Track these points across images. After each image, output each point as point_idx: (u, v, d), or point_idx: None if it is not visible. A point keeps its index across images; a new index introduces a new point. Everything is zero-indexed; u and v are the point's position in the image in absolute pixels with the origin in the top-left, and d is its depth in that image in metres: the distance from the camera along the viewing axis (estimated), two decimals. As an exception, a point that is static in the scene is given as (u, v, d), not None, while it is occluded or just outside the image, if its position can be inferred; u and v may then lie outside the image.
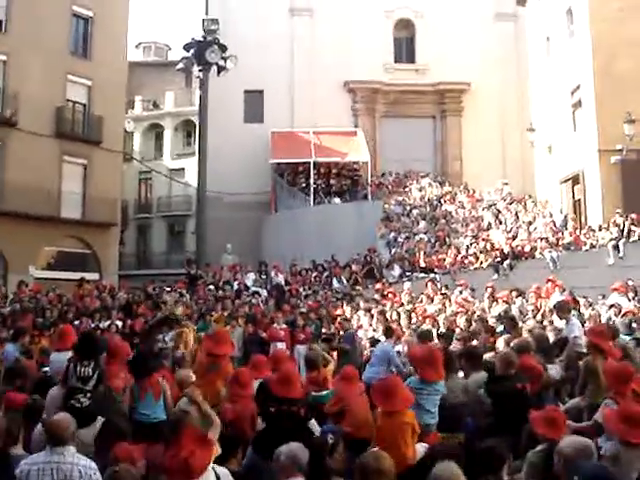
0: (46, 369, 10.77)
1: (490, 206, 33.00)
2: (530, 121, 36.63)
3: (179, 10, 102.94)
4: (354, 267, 27.11)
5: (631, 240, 25.91)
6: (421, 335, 12.86)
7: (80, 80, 34.74)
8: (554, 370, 9.84)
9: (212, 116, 32.91)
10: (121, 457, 5.83)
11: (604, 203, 29.42)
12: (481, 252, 27.13)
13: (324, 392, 8.89)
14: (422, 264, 26.91)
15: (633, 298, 19.78)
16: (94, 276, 32.23)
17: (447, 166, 42.28)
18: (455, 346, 12.56)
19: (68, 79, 34.18)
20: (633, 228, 26.25)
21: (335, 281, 26.30)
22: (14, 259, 31.24)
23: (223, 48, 30.10)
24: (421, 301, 20.61)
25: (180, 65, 31.32)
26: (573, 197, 33.12)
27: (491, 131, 41.35)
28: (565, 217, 30.63)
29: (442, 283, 23.80)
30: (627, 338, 12.27)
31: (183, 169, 49.39)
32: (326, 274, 27.08)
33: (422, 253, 27.43)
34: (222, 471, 5.84)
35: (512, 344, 10.25)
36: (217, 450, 6.17)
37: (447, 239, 29.15)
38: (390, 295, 21.67)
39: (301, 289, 24.69)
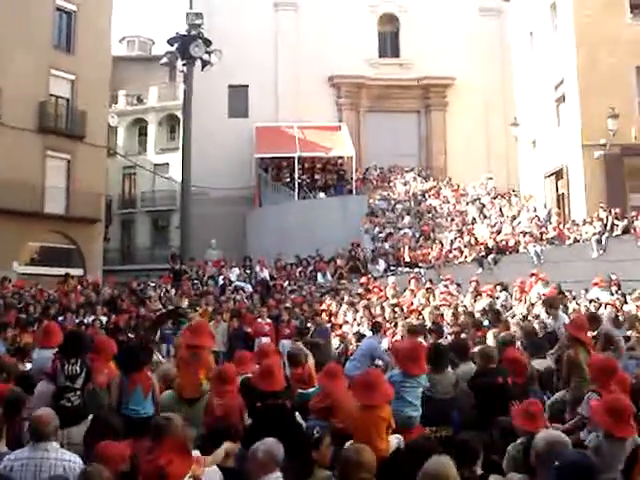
0: (28, 365, 10.70)
1: (474, 200, 33.11)
2: (514, 116, 36.68)
3: (163, 4, 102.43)
4: (339, 262, 27.14)
5: (614, 234, 26.08)
6: (410, 330, 12.90)
7: (63, 75, 34.50)
8: (544, 364, 9.91)
9: (196, 111, 32.81)
10: (104, 455, 5.79)
11: (588, 197, 29.55)
12: (465, 246, 27.24)
13: (311, 390, 8.86)
14: (407, 259, 26.97)
15: (616, 292, 19.91)
16: (78, 271, 32.09)
17: (431, 161, 42.35)
18: (447, 340, 12.66)
19: (51, 74, 33.91)
20: (616, 222, 26.41)
21: (320, 276, 26.34)
22: (-3, 255, 31.07)
23: (207, 42, 30.02)
24: (405, 296, 20.66)
25: (164, 60, 31.19)
26: (557, 191, 33.25)
27: (475, 126, 41.45)
28: (549, 211, 30.79)
29: (427, 277, 23.86)
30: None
31: (167, 164, 49.17)
32: (311, 269, 27.11)
33: (407, 248, 27.49)
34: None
35: (497, 338, 10.33)
36: (198, 470, 6.09)
37: (432, 234, 29.23)
38: (375, 289, 21.73)
39: (286, 284, 24.70)
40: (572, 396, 8.10)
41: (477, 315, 15.92)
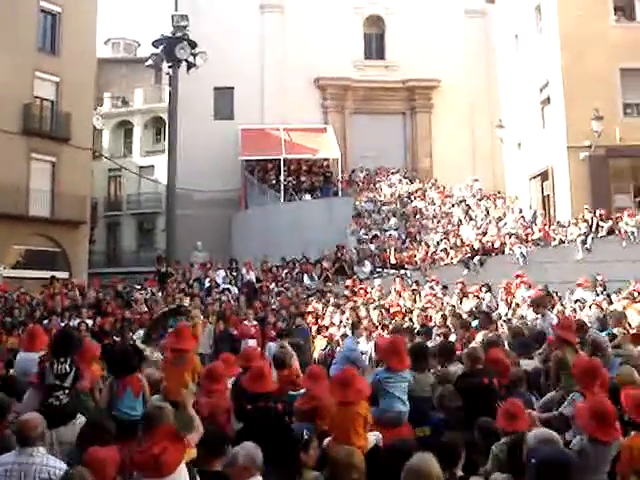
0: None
1: (460, 202, 33.16)
2: (499, 118, 36.84)
3: (148, 6, 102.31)
4: (325, 264, 27.11)
5: (599, 235, 26.19)
6: (394, 330, 12.96)
7: (48, 77, 34.39)
8: (532, 364, 9.93)
9: (182, 113, 32.69)
10: (93, 461, 5.74)
11: (573, 199, 29.68)
12: (451, 248, 27.26)
13: (302, 391, 8.87)
14: (393, 260, 26.98)
15: (601, 292, 20.02)
16: (64, 274, 31.94)
17: (417, 163, 42.37)
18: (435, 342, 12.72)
19: (36, 76, 33.81)
20: (601, 223, 26.53)
21: (306, 277, 26.31)
22: (-18, 258, 30.92)
23: (193, 44, 29.93)
24: (391, 299, 20.67)
25: (149, 62, 31.06)
26: (542, 193, 33.38)
27: (461, 128, 41.53)
28: (534, 213, 30.86)
29: (413, 279, 23.90)
30: (603, 334, 12.36)
31: (153, 166, 49.15)
32: (297, 271, 27.08)
33: (392, 249, 27.50)
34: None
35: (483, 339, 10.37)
36: (193, 452, 6.10)
37: (417, 235, 29.27)
38: (361, 291, 21.75)
39: (272, 286, 24.67)
40: (561, 396, 8.13)
41: (465, 316, 15.98)
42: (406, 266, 26.64)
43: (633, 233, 25.76)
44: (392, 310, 18.18)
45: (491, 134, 39.28)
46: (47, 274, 27.24)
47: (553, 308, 16.52)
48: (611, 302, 18.48)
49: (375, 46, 43.90)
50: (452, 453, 5.87)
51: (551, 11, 31.51)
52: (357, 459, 5.53)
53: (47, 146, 34.13)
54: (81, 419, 7.73)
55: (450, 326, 14.67)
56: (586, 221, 26.70)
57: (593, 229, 26.37)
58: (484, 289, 20.01)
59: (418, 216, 31.81)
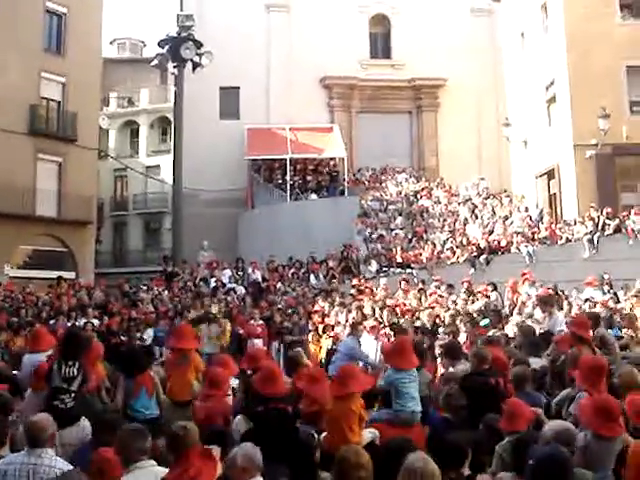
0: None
1: (466, 201, 33.12)
2: (505, 116, 36.76)
3: (154, 6, 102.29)
4: (331, 263, 27.12)
5: (606, 234, 26.11)
6: (396, 329, 12.98)
7: (54, 77, 34.44)
8: (540, 363, 9.91)
9: (188, 113, 32.79)
10: (100, 463, 5.75)
11: (579, 197, 29.62)
12: (457, 247, 27.25)
13: None
14: (399, 259, 26.98)
15: (608, 291, 19.97)
16: (70, 274, 31.99)
17: (423, 161, 42.35)
18: (442, 339, 12.73)
19: (42, 76, 33.87)
20: (607, 222, 26.44)
21: (312, 277, 26.32)
22: (-12, 258, 30.99)
23: (198, 44, 30.00)
24: (397, 298, 20.64)
25: (155, 62, 31.16)
26: (549, 191, 33.32)
27: (467, 126, 41.46)
28: (541, 211, 30.81)
29: (419, 278, 23.86)
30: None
31: (159, 166, 49.18)
32: (303, 270, 27.09)
33: (399, 248, 27.50)
34: None
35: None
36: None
37: (424, 234, 29.24)
38: (367, 290, 21.73)
39: (278, 285, 24.68)
40: (576, 393, 8.11)
41: (474, 315, 15.98)
42: (412, 265, 26.64)
43: (640, 231, 25.73)
44: (398, 310, 18.14)
45: (497, 133, 39.20)
46: (54, 274, 27.32)
47: (562, 308, 16.51)
48: (618, 301, 18.43)
49: (381, 45, 43.87)
50: (459, 452, 5.86)
51: (557, 9, 31.45)
52: (364, 458, 5.53)
53: (53, 146, 34.19)
54: (85, 422, 7.74)
55: (459, 325, 14.66)
56: (592, 219, 26.64)
57: (600, 227, 26.31)
58: (490, 288, 19.96)
59: (425, 215, 31.78)
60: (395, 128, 42.06)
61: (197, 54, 29.80)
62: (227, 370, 8.82)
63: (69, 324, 17.41)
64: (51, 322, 17.47)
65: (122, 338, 16.88)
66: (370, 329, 15.12)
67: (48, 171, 34.26)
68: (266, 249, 28.92)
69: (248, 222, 34.79)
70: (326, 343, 17.29)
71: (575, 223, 27.58)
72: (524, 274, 20.58)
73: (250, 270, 26.50)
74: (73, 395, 8.10)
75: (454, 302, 18.97)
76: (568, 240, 26.87)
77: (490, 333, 12.37)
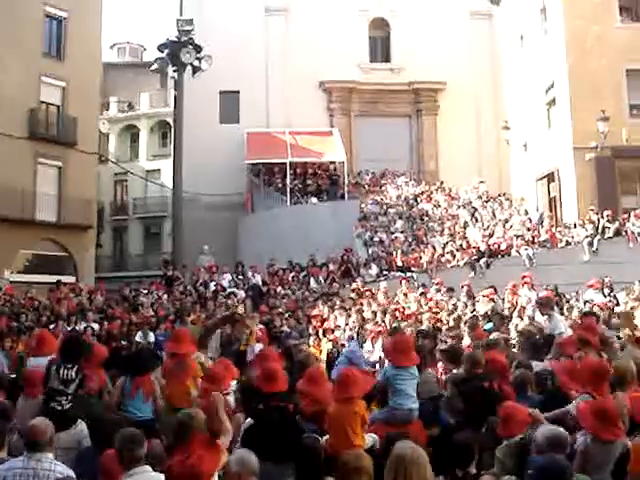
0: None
1: (466, 204, 33.13)
2: (505, 119, 36.82)
3: (154, 10, 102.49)
4: (331, 267, 27.11)
5: (606, 237, 26.12)
6: (392, 333, 12.99)
7: (54, 81, 34.44)
8: (541, 366, 9.90)
9: (187, 117, 32.80)
10: (108, 462, 5.80)
11: (579, 200, 29.60)
12: (457, 250, 27.23)
13: None
14: (399, 263, 26.97)
15: (608, 294, 19.97)
16: (70, 279, 31.97)
17: (423, 165, 42.37)
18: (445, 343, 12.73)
19: (42, 80, 33.85)
20: (608, 225, 26.46)
21: (312, 281, 26.31)
22: (-12, 263, 30.97)
23: (198, 48, 30.02)
24: (397, 302, 20.62)
25: (154, 66, 31.20)
26: (549, 194, 33.32)
27: (467, 129, 41.49)
28: (541, 215, 30.82)
29: (419, 282, 23.86)
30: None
31: (159, 170, 49.25)
32: (303, 274, 27.08)
33: (399, 252, 27.49)
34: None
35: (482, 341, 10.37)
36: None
37: (424, 238, 29.24)
38: (368, 294, 21.72)
39: (279, 289, 24.67)
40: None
41: (480, 319, 15.96)
42: (412, 269, 26.63)
43: (640, 234, 25.74)
44: (398, 313, 18.12)
45: (497, 136, 39.29)
46: (54, 279, 27.34)
47: (562, 310, 16.50)
48: (617, 304, 18.43)
49: (380, 49, 43.90)
50: (467, 451, 5.88)
51: (556, 12, 31.48)
52: (366, 462, 5.54)
53: (53, 151, 34.19)
54: (82, 424, 7.74)
55: (463, 328, 14.64)
56: (592, 222, 26.65)
57: (600, 231, 26.32)
58: (486, 291, 19.93)
59: (425, 218, 31.78)
60: (395, 132, 42.04)
61: (197, 58, 29.82)
62: (227, 372, 8.84)
63: (69, 328, 17.44)
64: (51, 326, 17.43)
65: (122, 342, 16.88)
66: (376, 334, 15.15)
67: (48, 175, 34.26)
68: (266, 253, 28.89)
69: (248, 226, 34.77)
70: (326, 347, 17.27)
71: (575, 226, 27.60)
72: (524, 277, 20.57)
73: (250, 274, 26.50)
74: (70, 397, 8.10)
75: (454, 305, 18.97)
76: (568, 243, 26.91)
77: (491, 336, 12.36)
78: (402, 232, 30.19)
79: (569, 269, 24.09)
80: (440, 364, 10.89)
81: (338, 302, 20.58)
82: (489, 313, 16.88)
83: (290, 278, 26.67)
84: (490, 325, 15.00)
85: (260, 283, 25.50)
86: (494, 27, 42.00)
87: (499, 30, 40.42)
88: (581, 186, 29.70)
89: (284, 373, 7.79)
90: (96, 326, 17.87)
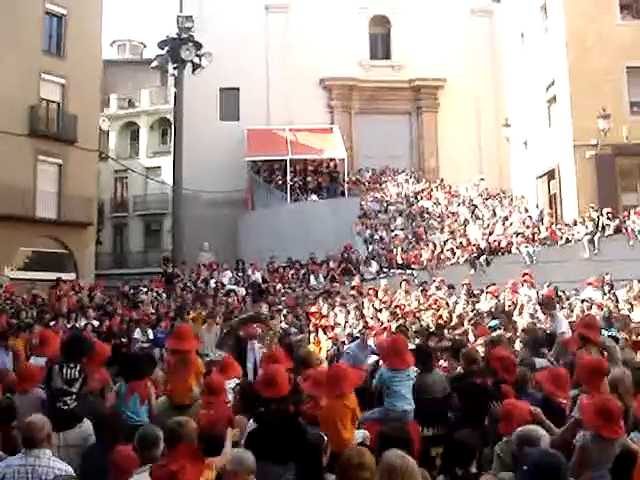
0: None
1: (466, 202, 33.13)
2: (505, 117, 36.80)
3: (154, 7, 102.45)
4: (331, 264, 27.11)
5: (606, 234, 26.12)
6: (396, 331, 12.98)
7: (54, 79, 34.34)
8: (542, 363, 9.91)
9: (188, 114, 32.84)
10: (120, 459, 5.82)
11: (579, 198, 29.58)
12: (457, 248, 27.23)
13: None
14: (399, 260, 26.96)
15: (608, 292, 19.96)
16: (71, 276, 31.95)
17: (423, 162, 42.37)
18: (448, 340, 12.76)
19: (42, 78, 33.77)
20: (608, 222, 26.45)
21: (312, 278, 26.31)
22: (-12, 260, 30.97)
23: (198, 45, 30.04)
24: (398, 299, 20.61)
25: (155, 63, 31.21)
26: (549, 192, 33.29)
27: (467, 127, 41.50)
28: (541, 212, 30.81)
29: (419, 279, 23.86)
30: (606, 333, 12.34)
31: (159, 167, 49.18)
32: (303, 271, 27.08)
33: (399, 249, 27.49)
34: None
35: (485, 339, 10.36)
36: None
37: (424, 235, 29.24)
38: (371, 292, 21.69)
39: (279, 286, 24.67)
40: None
41: (484, 316, 15.96)
42: (412, 266, 26.63)
43: (640, 232, 25.74)
44: (398, 310, 18.12)
45: (497, 133, 39.28)
46: (54, 276, 27.29)
47: (563, 309, 16.50)
48: (617, 302, 18.42)
49: (381, 46, 43.91)
50: (467, 450, 5.89)
51: (557, 10, 31.43)
52: (368, 458, 5.52)
53: (53, 148, 34.12)
54: (87, 423, 7.75)
55: (466, 326, 14.64)
56: (593, 220, 26.64)
57: (600, 228, 26.32)
58: (491, 288, 19.92)
59: (425, 216, 31.78)
60: (395, 129, 42.06)
61: (197, 55, 29.86)
62: (227, 373, 8.83)
63: (69, 325, 17.43)
64: (51, 323, 17.43)
65: (122, 340, 16.88)
66: (379, 331, 15.14)
67: (48, 173, 34.19)
68: (266, 250, 28.90)
69: (248, 223, 34.74)
70: (326, 344, 17.26)
71: (575, 224, 27.60)
72: (524, 275, 20.57)
73: (250, 271, 26.51)
74: (75, 396, 8.10)
75: (455, 303, 18.98)
76: (568, 241, 26.90)
77: (494, 334, 12.34)
78: (402, 229, 30.20)
79: (569, 267, 24.12)
80: (442, 362, 10.91)
81: (338, 299, 20.57)
82: (492, 310, 16.89)
83: (290, 275, 26.69)
84: (495, 322, 14.99)
85: (260, 280, 25.51)
86: (495, 24, 41.98)
87: (500, 27, 40.38)
88: (581, 184, 29.68)
89: (286, 376, 7.77)
90: (96, 323, 17.87)
